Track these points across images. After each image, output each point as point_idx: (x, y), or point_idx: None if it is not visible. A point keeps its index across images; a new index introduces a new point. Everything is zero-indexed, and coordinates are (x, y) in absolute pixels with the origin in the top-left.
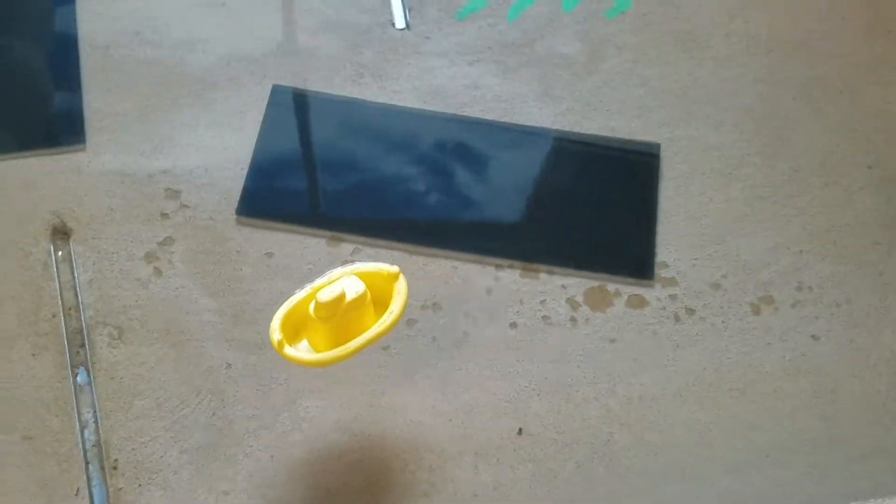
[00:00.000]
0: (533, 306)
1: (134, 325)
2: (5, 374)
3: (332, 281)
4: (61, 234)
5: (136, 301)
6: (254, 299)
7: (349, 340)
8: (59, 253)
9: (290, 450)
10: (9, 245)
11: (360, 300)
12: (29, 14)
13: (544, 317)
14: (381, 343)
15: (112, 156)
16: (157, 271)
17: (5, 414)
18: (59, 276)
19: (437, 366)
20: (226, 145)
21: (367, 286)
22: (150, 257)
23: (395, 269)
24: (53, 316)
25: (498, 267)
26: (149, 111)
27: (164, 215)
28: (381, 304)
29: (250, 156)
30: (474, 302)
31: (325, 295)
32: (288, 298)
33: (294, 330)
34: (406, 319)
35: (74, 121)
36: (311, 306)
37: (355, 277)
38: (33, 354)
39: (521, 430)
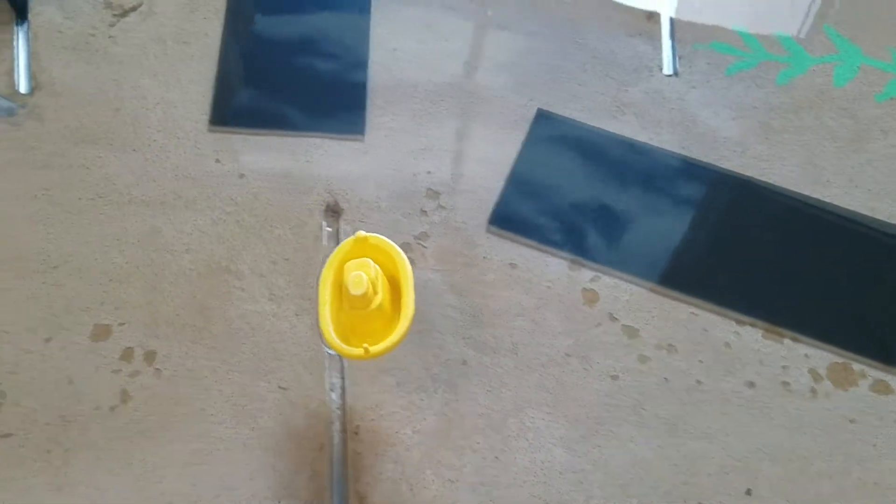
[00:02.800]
0: (774, 369)
1: None
2: (272, 328)
3: (338, 278)
4: (333, 212)
5: None
6: (493, 304)
7: (387, 309)
8: (329, 229)
9: (514, 455)
10: (290, 213)
11: (377, 273)
12: (335, 14)
13: (784, 382)
14: (609, 372)
15: (385, 151)
16: (411, 261)
17: (267, 363)
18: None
19: (667, 407)
20: (487, 158)
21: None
22: (405, 247)
23: (360, 233)
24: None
25: (739, 322)
26: (421, 114)
27: (423, 212)
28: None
29: (508, 171)
30: (711, 352)
31: (357, 289)
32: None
33: (343, 336)
34: (638, 355)
35: (358, 113)
36: (348, 305)
37: (354, 260)
38: (297, 315)
39: (749, 490)
